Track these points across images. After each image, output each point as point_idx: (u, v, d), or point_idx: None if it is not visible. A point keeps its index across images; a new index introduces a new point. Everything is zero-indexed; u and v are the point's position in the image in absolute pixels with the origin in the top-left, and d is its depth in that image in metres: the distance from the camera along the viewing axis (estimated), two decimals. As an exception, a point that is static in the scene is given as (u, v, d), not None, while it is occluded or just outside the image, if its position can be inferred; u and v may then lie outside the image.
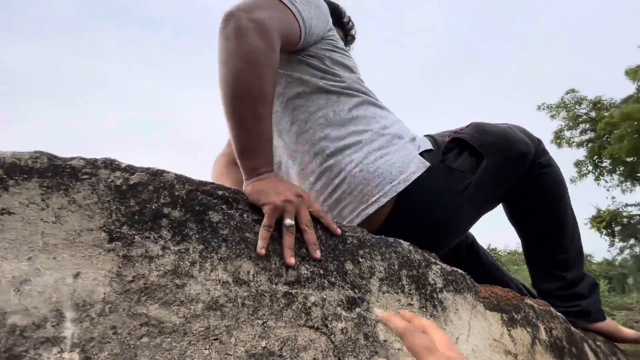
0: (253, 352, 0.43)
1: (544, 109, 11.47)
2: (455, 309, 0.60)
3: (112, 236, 0.44)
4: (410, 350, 0.37)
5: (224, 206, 0.53)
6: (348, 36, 0.96)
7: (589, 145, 11.23)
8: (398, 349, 0.51)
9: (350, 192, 0.68)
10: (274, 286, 0.49)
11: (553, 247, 0.79)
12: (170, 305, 0.42)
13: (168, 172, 0.53)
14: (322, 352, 0.47)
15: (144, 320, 0.40)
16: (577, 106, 11.36)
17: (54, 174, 0.45)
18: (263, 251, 0.50)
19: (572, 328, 0.76)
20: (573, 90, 11.30)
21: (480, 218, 0.78)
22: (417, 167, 0.69)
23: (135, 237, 0.45)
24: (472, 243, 0.94)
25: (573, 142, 11.45)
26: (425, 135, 0.81)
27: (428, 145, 0.75)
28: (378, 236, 0.62)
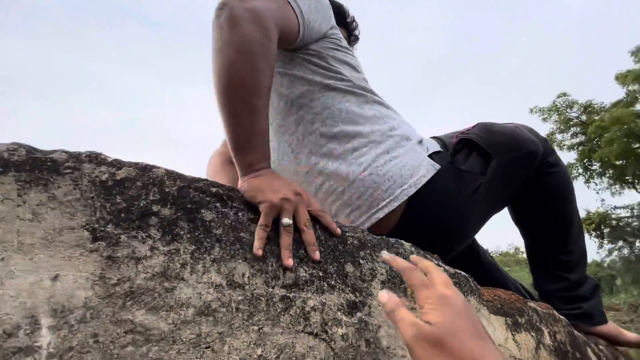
0: (248, 360, 0.40)
1: (536, 112, 11.62)
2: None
3: (95, 235, 0.40)
4: (409, 286, 0.41)
5: (217, 204, 0.50)
6: (352, 36, 0.93)
7: (580, 148, 11.41)
8: (402, 356, 0.49)
9: (360, 196, 0.66)
10: (271, 289, 0.46)
11: (558, 247, 0.78)
12: (159, 310, 0.39)
13: (158, 168, 0.49)
14: (321, 359, 0.44)
15: (129, 327, 0.37)
16: (568, 110, 11.53)
17: (32, 168, 0.42)
18: (260, 252, 0.47)
19: (575, 332, 0.74)
20: (564, 94, 11.47)
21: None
22: (427, 169, 0.67)
23: (121, 236, 0.42)
24: (473, 242, 0.92)
25: (564, 145, 11.62)
26: (433, 137, 0.79)
27: (436, 147, 0.73)
28: (379, 237, 0.60)
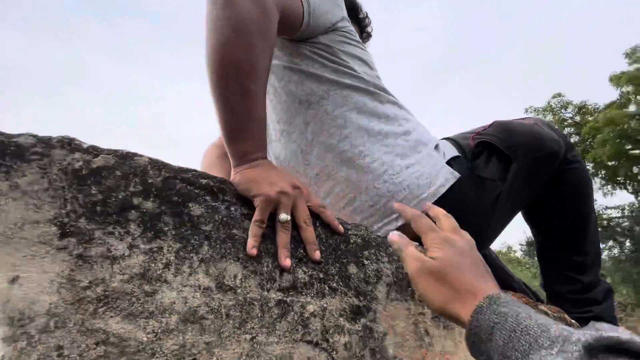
0: (239, 375, 0.35)
1: (531, 112, 11.68)
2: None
3: (64, 231, 0.35)
4: (416, 232, 0.42)
5: (207, 197, 0.45)
6: (364, 33, 0.88)
7: (574, 148, 11.48)
8: (409, 367, 0.44)
9: (373, 205, 0.62)
10: (266, 293, 0.41)
11: (573, 248, 0.74)
12: (137, 317, 0.34)
13: (141, 156, 0.44)
14: (322, 371, 0.39)
15: (101, 337, 0.32)
16: (563, 110, 11.62)
17: (-8, 153, 0.36)
18: (254, 251, 0.42)
19: (586, 336, 0.70)
20: (559, 95, 11.55)
21: None
22: (446, 178, 0.63)
23: (95, 232, 0.36)
24: None
25: (558, 145, 11.68)
26: (446, 139, 0.74)
27: (454, 152, 0.68)
28: (383, 236, 0.55)
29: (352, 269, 0.48)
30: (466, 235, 0.41)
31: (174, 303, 0.36)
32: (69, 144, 0.40)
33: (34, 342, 0.30)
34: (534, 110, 11.62)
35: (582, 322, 0.73)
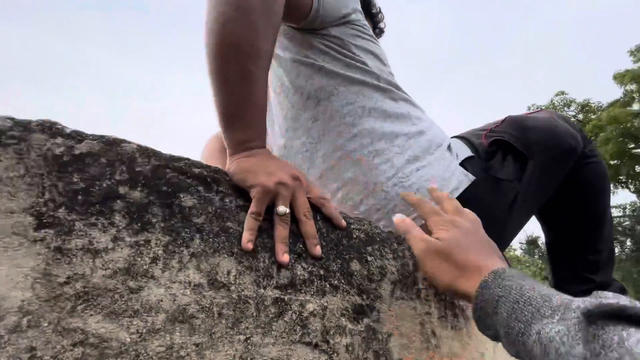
0: (232, 379, 0.32)
1: (534, 109, 11.62)
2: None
3: (41, 221, 0.32)
4: (421, 216, 0.44)
5: (200, 188, 0.42)
6: (376, 29, 0.84)
7: (576, 147, 11.42)
8: (415, 370, 0.41)
9: (380, 209, 0.59)
10: (262, 291, 0.38)
11: (586, 246, 0.71)
12: (119, 316, 0.31)
13: (129, 143, 0.41)
14: (321, 375, 0.36)
15: (79, 337, 0.29)
16: (566, 108, 11.55)
17: (-36, 136, 0.33)
18: (249, 245, 0.39)
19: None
20: (562, 93, 11.47)
21: None
22: (460, 181, 0.59)
23: (76, 223, 0.33)
24: None
25: (560, 143, 11.63)
26: (457, 137, 0.71)
27: (467, 152, 0.65)
28: (388, 231, 0.52)
29: (355, 265, 0.45)
30: (470, 215, 0.42)
31: (161, 301, 0.33)
32: (49, 128, 0.37)
33: (2, 342, 0.27)
34: (537, 108, 11.54)
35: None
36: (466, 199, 0.58)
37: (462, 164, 0.62)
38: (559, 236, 0.74)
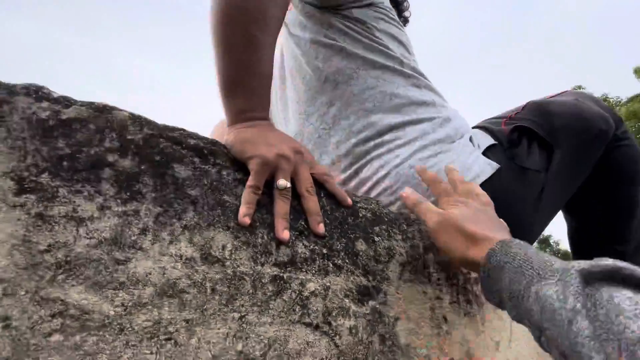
0: (223, 358, 0.30)
1: (549, 105, 11.31)
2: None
3: (22, 186, 0.30)
4: (434, 194, 0.45)
5: (195, 159, 0.39)
6: (401, 17, 0.80)
7: (593, 143, 11.08)
8: (424, 357, 0.38)
9: (393, 192, 0.55)
10: (259, 267, 0.36)
11: (614, 236, 0.66)
12: (103, 288, 0.29)
13: (120, 110, 0.39)
14: (322, 359, 0.34)
15: (59, 308, 0.27)
16: (582, 103, 11.20)
17: (-56, 96, 0.32)
18: (247, 220, 0.37)
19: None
20: (580, 87, 11.12)
21: None
22: (482, 170, 0.55)
23: (60, 189, 0.31)
24: None
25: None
26: (475, 127, 0.66)
27: (488, 140, 0.60)
28: (397, 211, 0.49)
29: (361, 245, 0.42)
30: (484, 197, 0.43)
31: (150, 274, 0.31)
32: (35, 92, 0.35)
33: (-26, 311, 0.25)
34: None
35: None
36: (489, 189, 0.54)
37: (484, 153, 0.58)
38: (584, 225, 0.69)
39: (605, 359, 0.22)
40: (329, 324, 0.36)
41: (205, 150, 0.41)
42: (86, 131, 0.35)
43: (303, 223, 0.41)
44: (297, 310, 0.35)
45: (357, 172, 0.58)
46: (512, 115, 0.65)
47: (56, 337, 0.26)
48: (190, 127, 0.42)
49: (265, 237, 0.38)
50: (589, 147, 0.61)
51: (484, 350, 0.43)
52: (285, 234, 0.38)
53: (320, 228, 0.40)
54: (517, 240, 0.34)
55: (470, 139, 0.60)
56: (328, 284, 0.38)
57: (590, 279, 0.25)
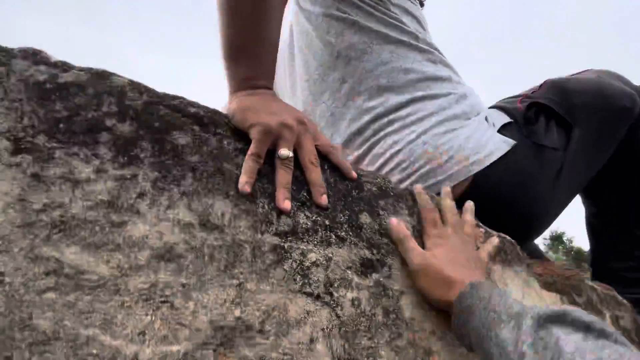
0: (221, 324, 0.29)
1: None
2: (504, 283, 0.45)
3: (18, 146, 0.30)
4: (422, 219, 0.45)
5: (195, 127, 0.38)
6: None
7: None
8: (430, 332, 0.37)
9: (406, 169, 0.53)
10: (259, 236, 0.35)
11: (634, 220, 0.62)
12: (99, 249, 0.28)
13: (120, 77, 0.38)
14: (322, 329, 0.33)
15: (53, 266, 0.26)
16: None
17: (-58, 57, 0.31)
18: (247, 188, 0.36)
19: (640, 319, 0.60)
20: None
21: None
22: (497, 147, 0.52)
23: (57, 151, 0.31)
24: None
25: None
26: (490, 107, 0.63)
27: (504, 118, 0.57)
28: (403, 188, 0.47)
29: (365, 218, 0.41)
30: (468, 228, 0.44)
31: (147, 237, 0.30)
32: (33, 55, 0.35)
33: (-32, 265, 0.24)
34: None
35: (636, 304, 0.62)
36: (504, 167, 0.51)
37: (499, 131, 0.55)
38: (603, 208, 0.65)
39: None
40: (331, 294, 0.34)
41: (205, 119, 0.40)
42: (84, 95, 0.35)
43: (305, 194, 0.39)
44: (297, 279, 0.34)
45: (370, 149, 0.56)
46: (529, 94, 0.61)
47: (50, 295, 0.25)
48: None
49: (266, 206, 0.37)
50: (610, 125, 0.57)
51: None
52: (286, 204, 0.37)
53: (323, 199, 0.39)
54: (487, 282, 0.36)
55: (486, 119, 0.58)
56: (330, 255, 0.37)
57: (543, 321, 0.28)
